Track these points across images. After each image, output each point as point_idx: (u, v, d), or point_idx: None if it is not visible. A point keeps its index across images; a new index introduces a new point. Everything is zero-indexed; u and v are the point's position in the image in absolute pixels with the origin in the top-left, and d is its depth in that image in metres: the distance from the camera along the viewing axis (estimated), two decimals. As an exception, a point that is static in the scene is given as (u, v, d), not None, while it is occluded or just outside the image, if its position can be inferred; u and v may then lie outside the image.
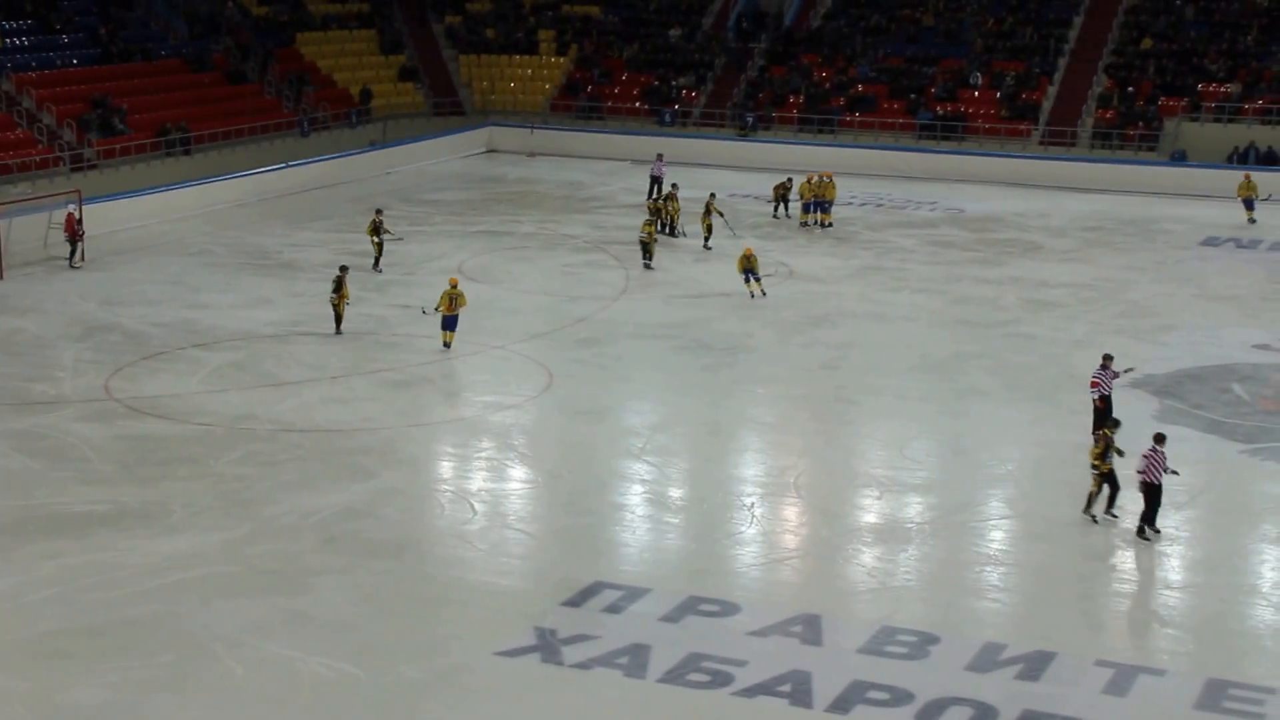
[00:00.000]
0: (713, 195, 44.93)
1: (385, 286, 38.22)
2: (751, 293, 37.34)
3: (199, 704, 18.04)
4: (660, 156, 51.97)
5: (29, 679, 18.55)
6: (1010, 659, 19.41)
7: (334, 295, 34.09)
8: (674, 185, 46.56)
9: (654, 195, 49.27)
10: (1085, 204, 52.27)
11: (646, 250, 41.23)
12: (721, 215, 44.11)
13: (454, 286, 33.10)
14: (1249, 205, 49.09)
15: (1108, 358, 27.93)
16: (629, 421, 29.24)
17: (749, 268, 37.46)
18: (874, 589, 21.89)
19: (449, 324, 32.98)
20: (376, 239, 39.92)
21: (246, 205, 49.49)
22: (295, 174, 52.92)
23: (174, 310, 35.90)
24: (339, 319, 34.12)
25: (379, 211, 41.10)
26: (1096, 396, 27.58)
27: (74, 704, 18.04)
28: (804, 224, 47.60)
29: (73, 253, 40.21)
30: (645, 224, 42.02)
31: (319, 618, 20.24)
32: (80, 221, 40.33)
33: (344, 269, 34.63)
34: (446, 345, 32.93)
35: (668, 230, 45.12)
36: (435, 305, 33.06)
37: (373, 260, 39.92)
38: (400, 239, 41.21)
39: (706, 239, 43.55)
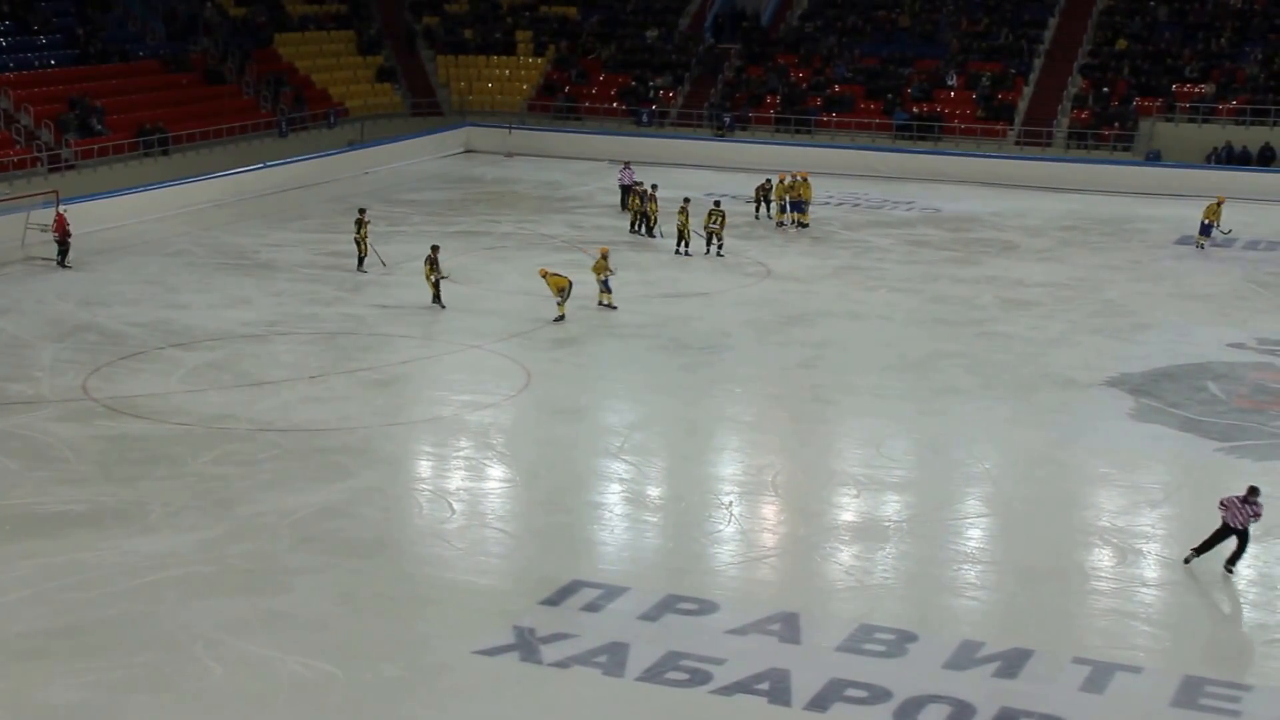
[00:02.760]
0: (717, 202, 44.59)
1: (363, 287, 38.21)
2: (601, 301, 36.56)
3: (177, 703, 18.01)
4: (628, 164, 50.93)
5: (7, 679, 18.52)
6: (988, 656, 19.46)
7: (429, 270, 36.05)
8: (653, 186, 46.35)
9: (635, 202, 48.64)
10: (1061, 203, 52.46)
11: (682, 237, 42.96)
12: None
13: (603, 256, 36.51)
14: (1206, 231, 45.62)
15: (1253, 491, 22.47)
16: (607, 420, 29.26)
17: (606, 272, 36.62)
18: (852, 587, 21.93)
19: (605, 286, 36.28)
20: (367, 241, 39.91)
21: (225, 205, 49.40)
22: (273, 174, 52.85)
23: (152, 310, 35.83)
24: (437, 294, 36.18)
25: (363, 211, 41.03)
26: (1232, 524, 22.47)
27: (52, 704, 18.00)
28: (780, 224, 47.63)
29: (63, 253, 40.04)
30: (679, 213, 43.18)
31: (297, 617, 20.23)
32: (67, 223, 40.22)
33: (435, 248, 36.55)
34: (603, 304, 36.29)
35: (645, 231, 45.19)
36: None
37: (356, 260, 39.97)
38: (446, 276, 37.79)
39: (719, 244, 43.44)
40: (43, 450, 26.37)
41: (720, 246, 42.94)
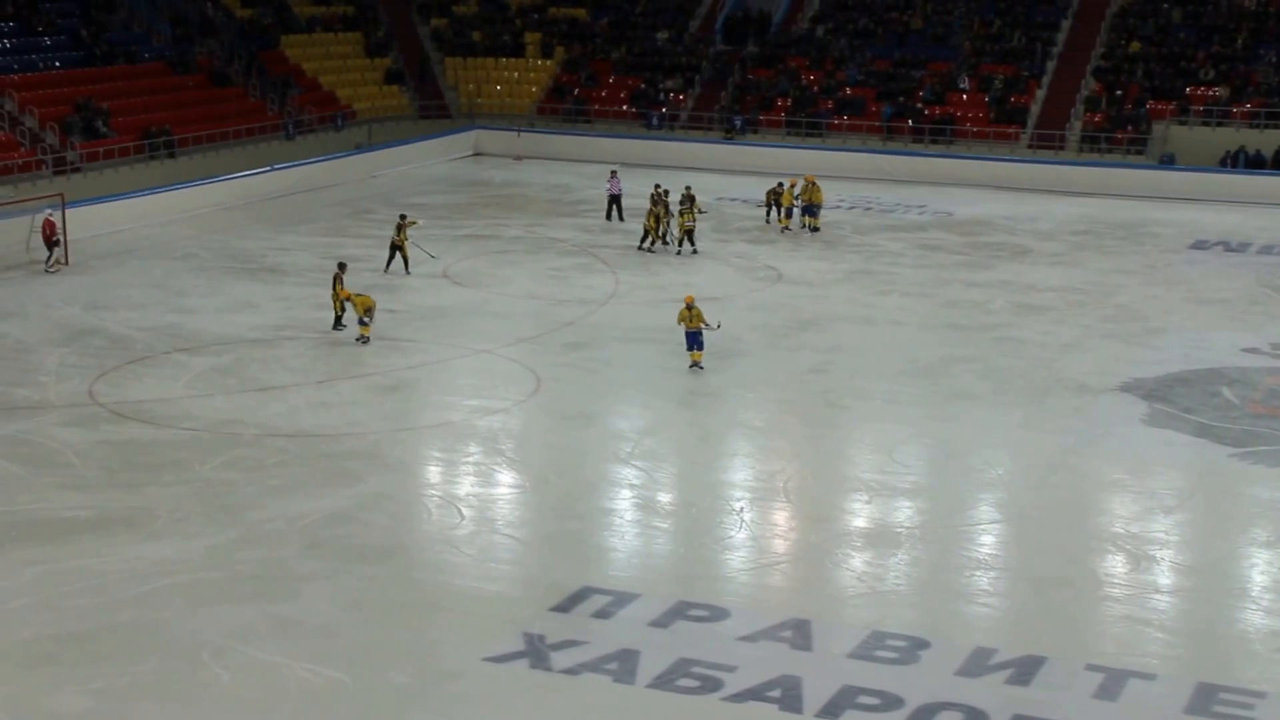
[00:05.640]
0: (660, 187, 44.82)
1: (370, 291, 37.93)
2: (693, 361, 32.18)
3: (184, 711, 17.91)
4: (614, 173, 49.55)
5: (12, 686, 18.42)
6: (1000, 664, 19.35)
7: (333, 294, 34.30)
8: (665, 191, 45.56)
9: (613, 215, 47.96)
10: (1074, 207, 52.26)
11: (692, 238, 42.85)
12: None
13: (688, 306, 31.95)
14: None
15: None
16: (617, 426, 29.11)
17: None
18: (864, 594, 21.81)
19: (695, 342, 31.88)
20: (407, 243, 39.93)
21: (231, 209, 49.28)
22: (280, 177, 52.72)
23: (158, 314, 35.72)
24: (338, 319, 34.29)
25: (403, 217, 40.82)
26: None
27: (58, 711, 17.89)
28: (785, 229, 47.28)
29: (49, 257, 39.89)
30: (683, 214, 43.23)
31: (306, 623, 20.12)
32: (58, 228, 39.98)
33: (343, 265, 35.01)
34: (693, 366, 31.88)
35: (663, 238, 44.52)
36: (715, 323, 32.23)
37: (403, 263, 40.01)
38: (434, 258, 40.75)
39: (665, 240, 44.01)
40: (48, 456, 26.27)
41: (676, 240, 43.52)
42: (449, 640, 19.99)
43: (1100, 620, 21.16)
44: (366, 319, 33.25)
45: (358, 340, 33.27)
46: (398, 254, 39.97)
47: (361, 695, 18.31)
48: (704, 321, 31.88)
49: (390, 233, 40.64)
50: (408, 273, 39.69)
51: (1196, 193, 53.77)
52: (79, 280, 39.17)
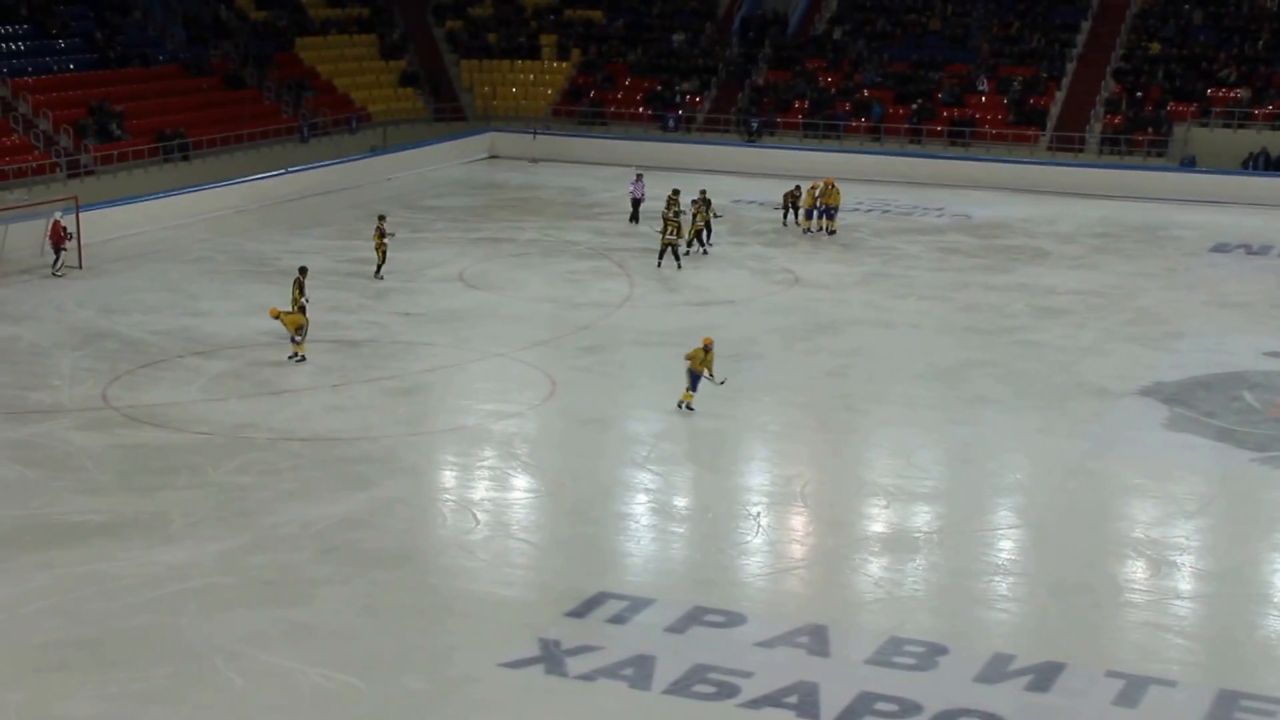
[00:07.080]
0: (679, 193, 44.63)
1: (386, 294, 37.99)
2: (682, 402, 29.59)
3: (198, 716, 17.83)
4: (639, 176, 49.32)
5: (26, 690, 18.34)
6: (1019, 670, 19.20)
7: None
8: (702, 191, 45.10)
9: (636, 217, 47.95)
10: (1094, 210, 52.07)
11: (673, 251, 41.72)
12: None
13: (706, 349, 29.26)
14: None
15: None
16: (633, 430, 28.97)
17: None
18: (881, 599, 21.69)
19: (695, 383, 29.34)
20: (384, 246, 39.67)
21: (245, 211, 49.23)
22: (295, 180, 52.71)
23: (172, 318, 35.66)
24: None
25: (382, 218, 40.81)
26: None
27: (71, 715, 17.83)
28: (806, 230, 47.19)
29: (56, 261, 39.82)
30: (697, 215, 42.95)
31: (320, 628, 20.03)
32: (66, 230, 39.83)
33: (304, 270, 34.42)
34: (682, 405, 29.41)
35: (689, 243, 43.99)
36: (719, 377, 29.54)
37: (375, 267, 39.66)
38: (392, 235, 40.43)
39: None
40: (62, 460, 26.21)
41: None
42: (463, 645, 19.87)
43: (1120, 626, 21.04)
44: (298, 338, 32.38)
45: (290, 359, 32.31)
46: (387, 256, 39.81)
47: (375, 701, 18.21)
48: (709, 370, 29.36)
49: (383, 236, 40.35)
50: (379, 276, 39.46)
51: (1217, 195, 53.56)
52: (92, 283, 39.13)
